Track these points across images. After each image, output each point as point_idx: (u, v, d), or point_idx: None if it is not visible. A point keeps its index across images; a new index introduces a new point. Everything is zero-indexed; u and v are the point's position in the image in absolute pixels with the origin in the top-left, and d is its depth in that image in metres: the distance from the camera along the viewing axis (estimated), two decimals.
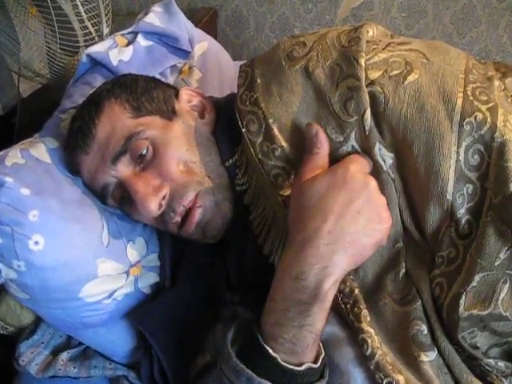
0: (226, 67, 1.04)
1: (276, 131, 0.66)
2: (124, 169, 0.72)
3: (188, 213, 0.72)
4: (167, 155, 0.71)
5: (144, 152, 0.71)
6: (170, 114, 0.75)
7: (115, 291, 0.76)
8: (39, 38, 1.17)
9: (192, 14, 1.49)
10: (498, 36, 1.35)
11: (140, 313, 0.77)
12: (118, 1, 1.70)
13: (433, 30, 1.40)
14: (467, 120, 0.59)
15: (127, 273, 0.78)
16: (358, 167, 0.60)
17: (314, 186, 0.60)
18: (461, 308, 0.58)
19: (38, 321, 0.81)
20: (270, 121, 0.66)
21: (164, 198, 0.71)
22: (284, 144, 0.66)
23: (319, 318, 0.58)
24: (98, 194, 0.76)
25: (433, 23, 1.38)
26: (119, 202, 0.76)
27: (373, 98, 0.62)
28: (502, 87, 0.65)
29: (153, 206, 0.70)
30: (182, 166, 0.72)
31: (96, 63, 0.93)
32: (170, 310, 0.76)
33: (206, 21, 1.46)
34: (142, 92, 0.76)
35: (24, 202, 0.69)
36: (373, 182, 0.59)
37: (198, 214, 0.72)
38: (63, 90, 1.06)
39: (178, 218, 0.72)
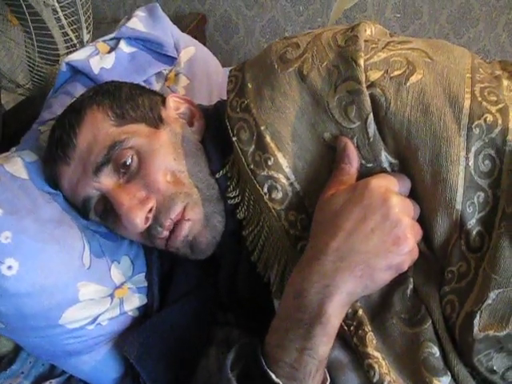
0: (214, 73, 1.00)
1: (268, 139, 0.62)
2: (107, 180, 0.67)
3: (175, 226, 0.67)
4: (153, 165, 0.67)
5: (128, 162, 0.66)
6: (157, 122, 0.71)
7: (99, 316, 0.71)
8: (20, 48, 1.13)
9: (179, 19, 1.46)
10: (497, 35, 1.31)
11: (126, 338, 0.72)
12: (102, 8, 1.65)
13: (429, 31, 1.36)
14: (476, 123, 0.55)
15: (112, 296, 0.72)
16: (380, 183, 0.56)
17: (331, 202, 0.57)
18: (475, 329, 0.54)
19: (18, 349, 0.77)
20: (262, 128, 0.62)
21: (150, 210, 0.66)
22: (277, 153, 0.62)
23: (321, 343, 0.54)
24: (80, 208, 0.71)
25: (429, 23, 1.35)
26: (102, 217, 0.71)
27: (373, 101, 0.58)
28: (511, 87, 0.61)
29: (138, 219, 0.65)
30: (169, 176, 0.67)
31: (76, 72, 0.88)
32: (157, 335, 0.71)
33: (194, 26, 1.42)
34: (127, 99, 0.72)
35: None
36: (394, 199, 0.54)
37: (184, 228, 0.67)
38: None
39: (166, 233, 0.68)
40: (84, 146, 0.68)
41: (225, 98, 0.74)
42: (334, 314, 0.54)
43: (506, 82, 0.62)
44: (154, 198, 0.66)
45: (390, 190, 0.55)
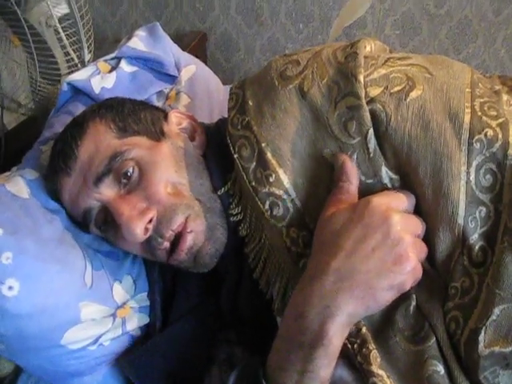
0: (215, 91, 1.01)
1: (269, 156, 0.62)
2: (108, 191, 0.67)
3: (178, 238, 0.67)
4: (154, 176, 0.67)
5: (129, 172, 0.67)
6: (158, 135, 0.71)
7: (101, 336, 0.71)
8: (22, 68, 1.14)
9: (180, 38, 1.47)
10: (496, 50, 1.32)
11: (128, 359, 0.71)
12: (104, 28, 1.67)
13: (428, 47, 1.37)
14: (477, 137, 0.55)
15: (114, 315, 0.72)
16: (381, 201, 0.55)
17: (332, 221, 0.56)
18: (480, 345, 0.53)
19: (19, 370, 0.76)
20: (263, 145, 0.62)
21: (151, 221, 0.66)
22: (279, 170, 0.62)
23: (323, 365, 0.53)
24: (81, 220, 0.71)
25: (428, 40, 1.36)
26: (103, 229, 0.71)
27: (373, 116, 0.58)
28: (511, 101, 0.61)
29: (138, 229, 0.64)
30: (170, 188, 0.67)
31: (78, 91, 0.89)
32: (160, 355, 0.71)
33: (195, 45, 1.43)
34: (129, 113, 0.72)
35: None
36: (395, 218, 0.53)
37: (189, 240, 0.66)
38: None
39: (167, 244, 0.67)
40: (85, 157, 0.68)
41: (226, 115, 0.75)
42: (336, 336, 0.53)
43: (505, 97, 0.62)
44: (155, 209, 0.66)
45: (392, 208, 0.55)
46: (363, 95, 0.58)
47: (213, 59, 1.60)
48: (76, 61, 0.98)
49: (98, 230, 0.71)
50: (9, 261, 0.63)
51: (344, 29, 1.38)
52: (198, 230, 0.67)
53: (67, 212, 0.73)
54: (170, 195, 0.67)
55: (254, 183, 0.63)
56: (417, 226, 0.56)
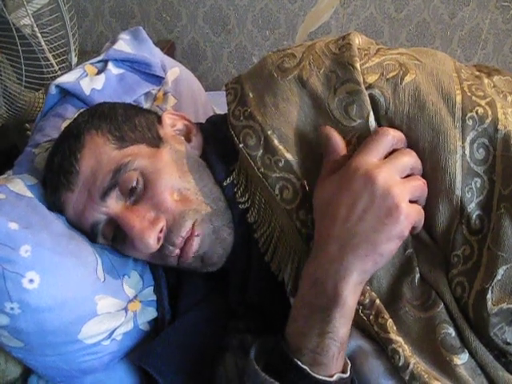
0: (198, 93, 1.02)
1: (276, 142, 0.65)
2: (115, 204, 0.67)
3: (185, 243, 0.68)
4: (160, 185, 0.67)
5: (134, 183, 0.67)
6: (156, 141, 0.71)
7: (115, 330, 0.70)
8: None
9: None
10: (452, 51, 1.40)
11: (144, 351, 0.71)
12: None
13: None
14: (469, 115, 0.60)
15: (126, 309, 0.72)
16: (360, 162, 0.58)
17: (323, 190, 0.60)
18: (489, 304, 0.57)
19: (27, 374, 0.73)
20: (269, 132, 0.65)
21: (161, 230, 0.67)
22: (287, 155, 0.64)
23: (341, 325, 0.56)
24: (88, 233, 0.71)
25: (389, 42, 1.43)
26: (110, 240, 0.71)
27: (372, 101, 0.62)
28: (492, 84, 0.68)
29: (151, 240, 0.65)
30: (176, 194, 0.68)
31: (65, 94, 0.88)
32: (174, 346, 0.71)
33: (165, 54, 1.44)
34: (123, 120, 0.72)
35: (13, 236, 0.63)
36: (375, 174, 0.56)
37: (195, 244, 0.68)
38: (21, 131, 1.01)
39: (178, 251, 0.68)
40: (88, 172, 0.68)
41: (209, 115, 0.78)
42: (350, 295, 0.56)
43: (486, 80, 0.67)
44: (164, 217, 0.67)
45: (370, 166, 0.57)
46: (362, 81, 0.62)
47: None
48: (56, 67, 0.97)
49: (105, 240, 0.71)
50: (28, 254, 0.62)
51: (309, 34, 1.43)
52: (204, 233, 0.68)
53: (71, 224, 0.72)
54: (178, 202, 0.67)
55: (263, 169, 0.65)
56: (402, 166, 0.58)
